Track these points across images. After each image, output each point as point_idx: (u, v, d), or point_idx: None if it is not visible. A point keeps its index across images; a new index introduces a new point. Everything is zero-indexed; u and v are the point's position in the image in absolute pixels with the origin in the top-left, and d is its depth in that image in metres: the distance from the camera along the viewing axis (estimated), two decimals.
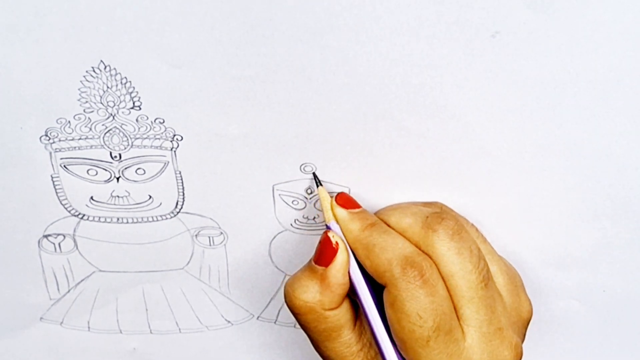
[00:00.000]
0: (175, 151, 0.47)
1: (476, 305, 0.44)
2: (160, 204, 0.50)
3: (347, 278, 0.45)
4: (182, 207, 0.50)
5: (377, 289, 0.45)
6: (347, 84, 0.43)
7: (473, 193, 0.48)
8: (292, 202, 0.49)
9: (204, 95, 0.44)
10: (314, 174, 0.48)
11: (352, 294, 0.46)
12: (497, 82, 0.42)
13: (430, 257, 0.44)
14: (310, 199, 0.49)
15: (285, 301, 0.46)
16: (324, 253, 0.45)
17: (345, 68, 0.42)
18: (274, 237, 0.51)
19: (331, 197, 0.47)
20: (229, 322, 0.57)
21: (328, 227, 0.46)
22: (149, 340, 0.58)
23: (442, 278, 0.44)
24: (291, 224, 0.51)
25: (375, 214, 0.47)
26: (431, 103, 0.43)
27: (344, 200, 0.46)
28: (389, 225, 0.45)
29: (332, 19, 0.40)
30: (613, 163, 0.46)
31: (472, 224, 0.48)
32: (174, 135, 0.46)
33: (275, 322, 0.57)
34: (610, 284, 0.52)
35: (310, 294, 0.45)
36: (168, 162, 0.47)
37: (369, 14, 0.40)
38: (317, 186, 0.47)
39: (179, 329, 0.57)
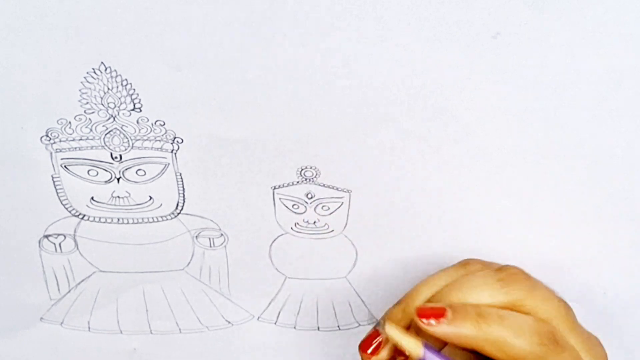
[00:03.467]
0: (175, 153, 0.47)
1: (576, 332, 0.43)
2: (161, 205, 0.50)
3: None
4: (182, 209, 0.50)
5: None
6: (348, 87, 0.43)
7: (474, 195, 0.48)
8: (293, 206, 0.49)
9: (205, 98, 0.44)
10: (372, 316, 0.47)
11: None
12: (498, 83, 0.42)
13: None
14: (311, 203, 0.49)
15: None
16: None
17: (345, 70, 0.42)
18: (275, 240, 0.51)
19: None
20: (229, 322, 0.57)
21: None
22: (149, 341, 0.58)
23: None
24: (291, 227, 0.51)
25: (446, 291, 0.44)
26: (432, 105, 0.43)
27: (431, 313, 0.41)
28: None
29: (332, 21, 0.40)
30: (614, 164, 0.46)
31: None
32: (175, 138, 0.46)
33: (275, 323, 0.57)
34: (611, 287, 0.52)
35: None
36: (168, 163, 0.47)
37: (369, 15, 0.40)
38: (380, 324, 0.44)
39: (179, 329, 0.57)
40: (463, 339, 0.41)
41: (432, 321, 0.40)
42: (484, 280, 0.43)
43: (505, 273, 0.43)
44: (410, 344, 0.41)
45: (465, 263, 0.46)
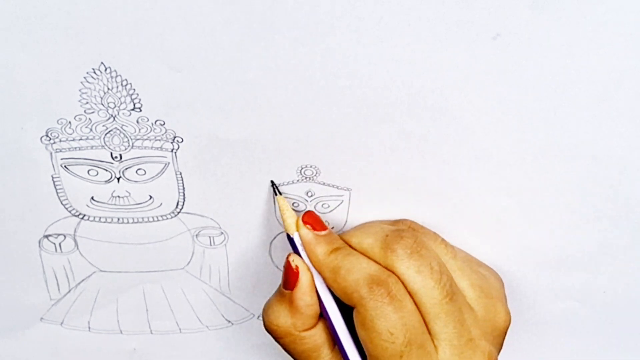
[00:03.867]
0: (175, 152, 0.47)
1: (443, 320, 0.44)
2: (161, 204, 0.50)
3: (315, 298, 0.46)
4: (182, 208, 0.50)
5: (347, 310, 0.46)
6: (348, 87, 0.43)
7: (474, 195, 0.48)
8: (293, 204, 0.49)
9: (205, 98, 0.44)
10: (272, 182, 0.48)
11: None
12: (498, 84, 0.42)
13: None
14: (311, 201, 0.49)
15: (264, 327, 0.47)
16: (288, 277, 0.46)
17: (345, 70, 0.42)
18: (274, 238, 0.51)
19: (297, 215, 0.47)
20: (229, 321, 0.57)
21: (290, 240, 0.47)
22: (149, 341, 0.58)
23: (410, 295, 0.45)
24: None
25: (340, 235, 0.48)
26: (432, 105, 0.43)
27: (312, 220, 0.47)
28: (351, 247, 0.46)
29: (332, 21, 0.40)
30: (614, 164, 0.46)
31: (442, 240, 0.48)
32: (175, 137, 0.46)
33: None
34: (610, 286, 0.52)
35: (282, 317, 0.46)
36: (168, 163, 0.47)
37: (369, 15, 0.40)
38: (276, 194, 0.48)
39: (179, 329, 0.57)
40: (314, 256, 0.46)
41: (308, 225, 0.47)
42: (378, 229, 0.46)
43: (396, 232, 0.46)
44: (289, 220, 0.47)
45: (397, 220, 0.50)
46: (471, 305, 0.46)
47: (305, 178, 0.48)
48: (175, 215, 0.50)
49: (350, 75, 0.42)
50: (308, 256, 0.46)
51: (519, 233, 0.49)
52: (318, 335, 0.47)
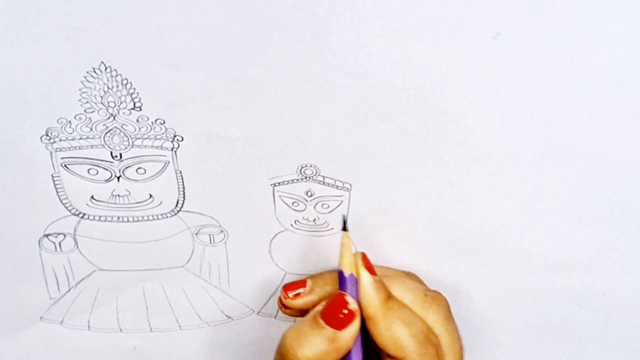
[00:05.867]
0: (175, 151, 0.47)
1: None
2: (161, 202, 0.50)
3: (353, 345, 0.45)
4: (182, 206, 0.50)
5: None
6: (348, 86, 0.43)
7: (473, 196, 0.48)
8: (293, 203, 0.49)
9: (205, 96, 0.44)
10: (343, 216, 0.47)
11: None
12: (498, 84, 0.42)
13: None
14: (310, 201, 0.49)
15: (284, 353, 0.46)
16: (341, 317, 0.45)
17: (345, 70, 0.42)
18: (274, 236, 0.52)
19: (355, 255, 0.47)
20: (229, 317, 0.57)
21: (341, 275, 0.46)
22: (149, 339, 0.58)
23: None
24: (291, 224, 0.51)
25: None
26: (432, 105, 0.43)
27: (369, 264, 0.46)
28: None
29: (332, 20, 0.40)
30: (613, 166, 0.45)
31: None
32: (175, 136, 0.46)
33: (275, 317, 0.57)
34: (610, 288, 0.52)
35: (315, 352, 0.45)
36: (168, 161, 0.47)
37: (369, 15, 0.40)
38: (344, 229, 0.47)
39: (179, 326, 0.57)
40: (373, 300, 0.45)
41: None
42: (415, 287, 0.47)
43: (433, 294, 0.48)
44: (348, 259, 0.46)
45: (407, 272, 0.51)
46: None
47: (305, 177, 0.48)
48: (175, 214, 0.50)
49: (350, 74, 0.42)
50: (362, 299, 0.45)
51: (518, 235, 0.49)
52: None
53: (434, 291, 0.48)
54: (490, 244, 0.50)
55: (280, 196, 0.49)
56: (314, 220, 0.50)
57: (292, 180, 0.48)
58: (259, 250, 0.53)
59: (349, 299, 0.45)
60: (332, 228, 0.51)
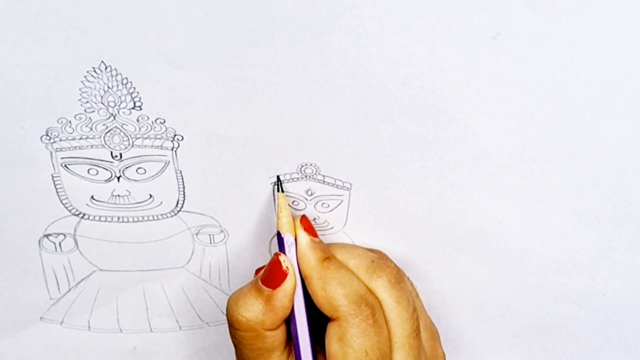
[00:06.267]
0: (175, 151, 0.47)
1: (407, 351, 0.46)
2: (161, 202, 0.50)
3: (292, 303, 0.46)
4: (182, 206, 0.50)
5: (314, 319, 0.47)
6: (348, 86, 0.43)
7: (473, 196, 0.48)
8: (293, 202, 0.49)
9: (205, 96, 0.44)
10: (277, 177, 0.48)
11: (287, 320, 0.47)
12: (498, 84, 0.42)
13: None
14: (311, 200, 0.49)
15: (227, 315, 0.47)
16: (274, 275, 0.46)
17: (346, 69, 0.42)
18: (274, 236, 0.51)
19: (293, 217, 0.48)
20: None
21: (279, 236, 0.47)
22: (150, 339, 0.58)
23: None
24: None
25: (329, 244, 0.49)
26: (432, 105, 0.43)
27: (308, 225, 0.48)
28: None
29: (332, 20, 0.40)
30: (614, 166, 0.45)
31: (408, 277, 0.50)
32: (175, 136, 0.46)
33: None
34: (610, 288, 0.52)
35: (253, 312, 0.46)
36: (169, 161, 0.47)
37: (369, 15, 0.40)
38: (279, 191, 0.48)
39: (179, 327, 0.57)
40: (308, 260, 0.47)
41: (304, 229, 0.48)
42: (363, 253, 0.48)
43: (381, 261, 0.48)
44: (285, 219, 0.47)
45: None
46: (424, 345, 0.49)
47: (305, 176, 0.48)
48: (176, 214, 0.50)
49: (350, 74, 0.42)
50: (299, 259, 0.47)
51: (518, 235, 0.49)
52: (277, 337, 0.47)
53: (386, 260, 0.48)
54: (490, 244, 0.50)
55: None
56: (314, 219, 0.50)
57: (292, 179, 0.48)
58: (259, 250, 0.53)
59: (282, 258, 0.46)
60: (332, 227, 0.51)
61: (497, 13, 0.40)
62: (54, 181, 0.48)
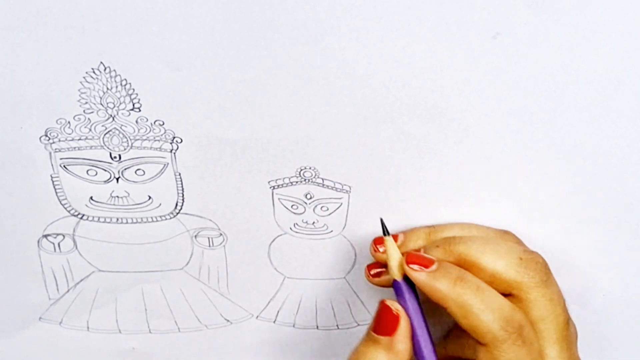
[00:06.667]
0: (174, 153, 0.47)
1: (561, 344, 0.45)
2: (160, 204, 0.50)
3: (411, 343, 0.45)
4: (181, 208, 0.50)
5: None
6: (348, 87, 0.43)
7: (473, 196, 0.48)
8: (292, 206, 0.49)
9: (204, 98, 0.44)
10: (381, 219, 0.47)
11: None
12: (498, 83, 0.42)
13: (521, 299, 0.45)
14: (310, 204, 0.49)
15: None
16: (385, 322, 0.45)
17: (345, 70, 0.42)
18: (274, 240, 0.51)
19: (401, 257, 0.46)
20: (228, 321, 0.57)
21: (396, 284, 0.46)
22: (148, 340, 0.58)
23: (532, 321, 0.45)
24: (290, 228, 0.51)
25: (459, 243, 0.46)
26: (432, 106, 0.43)
27: (418, 261, 0.45)
28: (481, 267, 0.45)
29: (332, 21, 0.40)
30: (613, 166, 0.46)
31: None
32: (174, 138, 0.46)
33: (274, 322, 0.57)
34: (610, 288, 0.52)
35: None
36: (168, 163, 0.47)
37: (369, 15, 0.40)
38: (385, 234, 0.46)
39: (178, 329, 0.57)
40: (437, 292, 0.44)
41: (415, 266, 0.44)
42: (509, 250, 0.45)
43: (530, 256, 0.45)
44: (394, 263, 0.45)
45: (504, 232, 0.49)
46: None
47: (305, 180, 0.48)
48: (174, 216, 0.50)
49: (350, 75, 0.42)
50: (430, 294, 0.44)
51: (518, 233, 0.49)
52: None
53: (531, 252, 0.46)
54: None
55: (279, 199, 0.49)
56: (313, 223, 0.50)
57: (292, 183, 0.48)
58: (257, 254, 0.53)
59: (389, 302, 0.45)
60: (332, 231, 0.51)
61: (497, 13, 0.40)
62: (53, 182, 0.48)
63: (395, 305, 0.45)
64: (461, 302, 0.43)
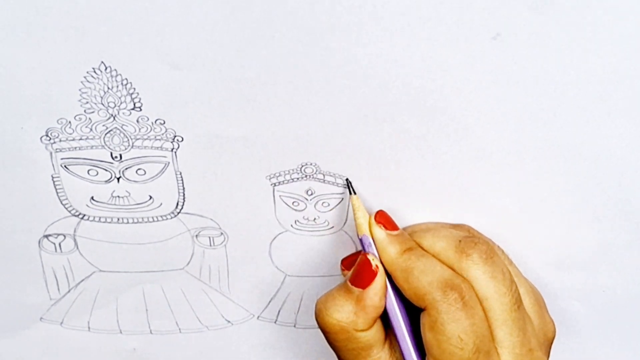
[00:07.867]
0: (175, 152, 0.47)
1: (509, 327, 0.44)
2: (161, 204, 0.50)
3: (384, 301, 0.46)
4: (182, 208, 0.50)
5: (408, 311, 0.46)
6: (348, 86, 0.43)
7: (473, 195, 0.48)
8: (293, 203, 0.49)
9: (205, 96, 0.44)
10: (347, 179, 0.48)
11: (382, 315, 0.46)
12: (498, 83, 0.42)
13: (464, 280, 0.45)
14: (311, 200, 0.49)
15: (317, 319, 0.46)
16: (362, 275, 0.46)
17: (345, 69, 0.42)
18: (275, 238, 0.51)
19: (369, 215, 0.47)
20: (229, 322, 0.57)
21: (360, 239, 0.47)
22: (149, 341, 0.58)
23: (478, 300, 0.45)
24: (291, 225, 0.51)
25: (410, 231, 0.48)
26: (432, 105, 0.43)
27: (384, 220, 0.47)
28: (421, 248, 0.46)
29: (332, 20, 0.40)
30: (613, 164, 0.46)
31: (499, 246, 0.49)
32: (175, 137, 0.46)
33: (275, 322, 0.57)
34: (610, 285, 0.52)
35: (344, 314, 0.45)
36: (168, 162, 0.47)
37: (369, 15, 0.40)
38: (350, 194, 0.48)
39: (179, 329, 0.57)
40: (386, 256, 0.46)
41: (381, 224, 0.47)
42: (450, 234, 0.46)
43: (470, 239, 0.46)
44: (361, 220, 0.47)
45: (459, 225, 0.50)
46: (529, 314, 0.47)
47: (306, 176, 0.48)
48: (175, 216, 0.50)
49: (350, 74, 0.42)
50: (380, 255, 0.46)
51: (518, 233, 0.49)
52: (372, 335, 0.46)
53: (475, 237, 0.47)
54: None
55: (280, 196, 0.49)
56: (315, 219, 0.50)
57: (293, 179, 0.48)
58: (259, 252, 0.53)
59: (371, 257, 0.46)
60: (333, 227, 0.51)
61: (497, 13, 0.40)
62: (53, 182, 0.48)
63: (375, 262, 0.46)
64: (404, 267, 0.45)
